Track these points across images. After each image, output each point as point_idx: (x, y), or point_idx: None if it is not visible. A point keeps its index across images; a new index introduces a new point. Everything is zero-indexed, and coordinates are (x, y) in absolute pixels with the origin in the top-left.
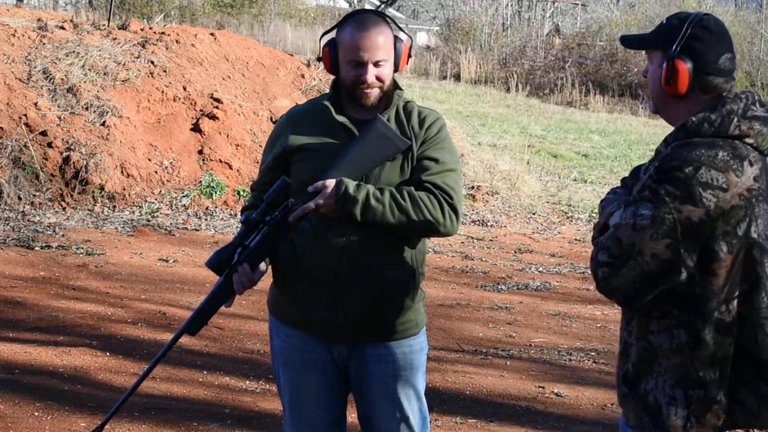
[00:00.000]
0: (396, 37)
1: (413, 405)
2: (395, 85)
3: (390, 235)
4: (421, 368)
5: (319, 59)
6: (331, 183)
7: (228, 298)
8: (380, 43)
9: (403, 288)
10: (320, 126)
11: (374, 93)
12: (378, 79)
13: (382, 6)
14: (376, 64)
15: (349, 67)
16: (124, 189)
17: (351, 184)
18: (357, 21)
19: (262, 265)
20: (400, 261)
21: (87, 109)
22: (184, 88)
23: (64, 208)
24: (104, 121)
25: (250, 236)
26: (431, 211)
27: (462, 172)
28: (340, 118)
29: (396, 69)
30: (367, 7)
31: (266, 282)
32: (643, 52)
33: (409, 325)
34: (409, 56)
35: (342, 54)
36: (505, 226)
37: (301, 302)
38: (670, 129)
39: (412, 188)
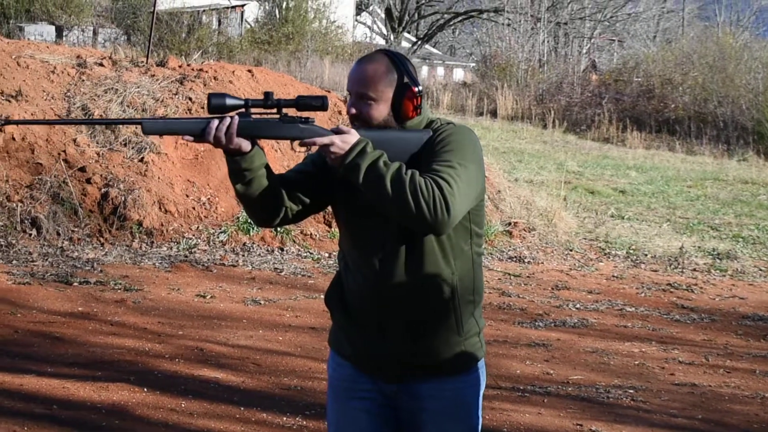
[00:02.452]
0: (404, 84)
1: None
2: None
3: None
4: (475, 405)
5: None
6: (355, 133)
7: (195, 133)
8: (367, 75)
9: (447, 323)
10: None
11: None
12: (361, 114)
13: (419, 42)
14: (361, 97)
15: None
16: (162, 225)
17: (370, 144)
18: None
19: (245, 144)
20: (443, 296)
21: (125, 145)
22: None
23: (102, 244)
24: (142, 157)
25: (262, 112)
26: (424, 195)
27: (472, 172)
28: None
29: (398, 116)
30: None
31: (306, 319)
32: (682, 88)
33: (459, 360)
34: (416, 107)
35: None
36: (542, 263)
37: (350, 338)
38: (707, 165)
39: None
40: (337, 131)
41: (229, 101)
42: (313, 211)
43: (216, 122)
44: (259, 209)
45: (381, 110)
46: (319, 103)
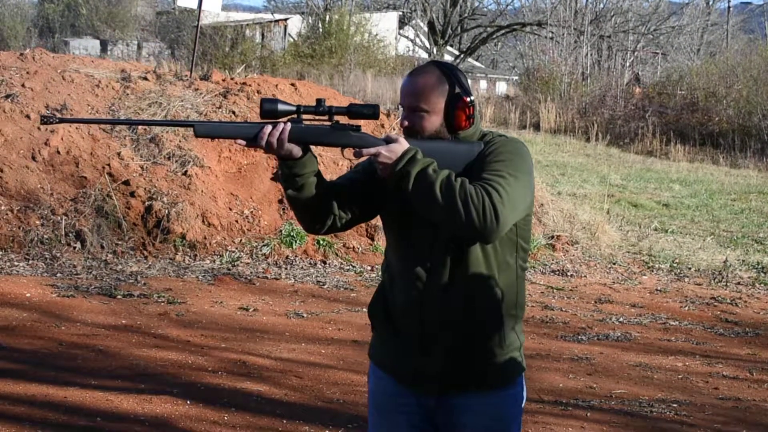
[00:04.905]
0: (455, 94)
1: None
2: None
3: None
4: (515, 420)
5: (398, 107)
6: (404, 142)
7: (247, 137)
8: (418, 87)
9: (489, 337)
10: None
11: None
12: (414, 126)
13: (461, 56)
14: (414, 110)
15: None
16: (205, 238)
17: (420, 152)
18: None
19: (296, 150)
20: (487, 309)
21: (169, 158)
22: None
23: (145, 257)
24: (186, 171)
25: (313, 118)
26: (473, 201)
27: (522, 183)
28: None
29: (451, 127)
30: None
31: (348, 332)
32: (726, 101)
33: (500, 375)
34: (469, 116)
35: None
36: (585, 276)
37: (391, 350)
38: (751, 179)
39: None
40: (388, 140)
41: (281, 107)
42: (362, 219)
43: (269, 127)
44: (308, 215)
45: (433, 121)
46: (370, 111)
